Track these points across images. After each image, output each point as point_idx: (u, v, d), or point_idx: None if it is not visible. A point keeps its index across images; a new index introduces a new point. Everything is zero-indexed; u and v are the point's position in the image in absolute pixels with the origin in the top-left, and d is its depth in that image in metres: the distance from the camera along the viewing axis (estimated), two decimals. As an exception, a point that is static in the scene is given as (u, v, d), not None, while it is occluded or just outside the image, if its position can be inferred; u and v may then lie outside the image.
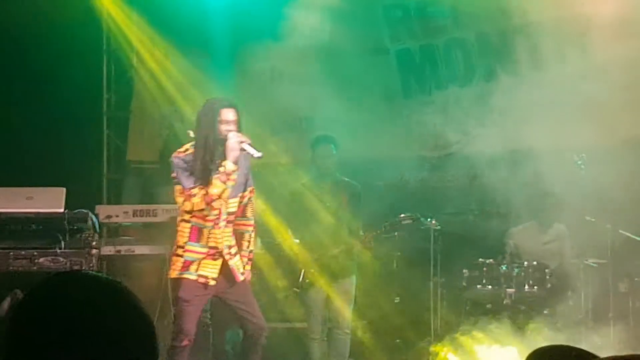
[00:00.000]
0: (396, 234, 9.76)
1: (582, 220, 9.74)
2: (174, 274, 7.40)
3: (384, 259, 10.03)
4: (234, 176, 7.19)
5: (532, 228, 10.26)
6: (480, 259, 9.72)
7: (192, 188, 7.17)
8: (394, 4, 11.51)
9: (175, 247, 7.44)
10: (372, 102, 11.26)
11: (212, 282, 7.31)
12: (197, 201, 7.15)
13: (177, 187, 7.34)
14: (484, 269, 9.69)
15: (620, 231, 9.69)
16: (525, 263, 9.63)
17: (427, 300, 9.84)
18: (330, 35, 11.14)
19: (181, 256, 7.32)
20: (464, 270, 9.81)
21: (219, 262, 7.32)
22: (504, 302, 9.48)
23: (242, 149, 7.16)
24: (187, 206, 7.21)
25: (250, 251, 7.65)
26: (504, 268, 9.64)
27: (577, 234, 9.81)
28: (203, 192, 7.16)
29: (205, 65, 10.90)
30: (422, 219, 9.65)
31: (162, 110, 11.40)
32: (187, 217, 7.32)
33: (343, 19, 11.11)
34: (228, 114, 7.18)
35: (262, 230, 9.05)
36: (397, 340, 10.17)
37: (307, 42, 10.97)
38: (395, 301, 10.18)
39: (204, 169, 7.17)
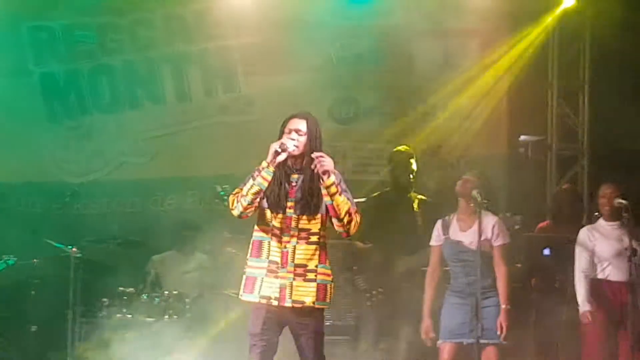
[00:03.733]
0: (35, 260, 9.88)
1: (222, 250, 10.12)
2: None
3: (21, 285, 10.15)
4: (265, 174, 6.68)
5: (173, 257, 10.60)
6: (121, 288, 9.91)
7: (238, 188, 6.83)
8: (39, 25, 11.55)
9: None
10: (15, 125, 11.21)
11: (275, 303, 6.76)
12: (231, 199, 6.75)
13: None
14: (124, 297, 9.88)
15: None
16: (166, 292, 9.92)
17: (65, 330, 9.90)
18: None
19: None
20: (104, 299, 9.96)
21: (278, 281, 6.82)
22: (143, 332, 9.63)
23: (276, 150, 6.66)
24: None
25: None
26: (144, 297, 9.89)
27: (217, 264, 10.15)
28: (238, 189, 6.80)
29: None
30: (61, 246, 9.83)
31: None
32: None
33: (-15, 38, 11.07)
34: (293, 124, 6.83)
35: None
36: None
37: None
38: (32, 330, 10.19)
39: None
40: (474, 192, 8.24)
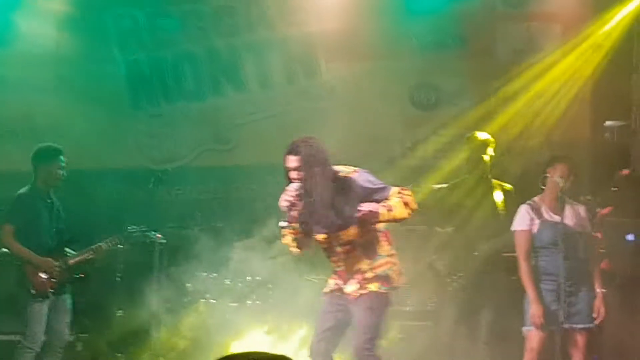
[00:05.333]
0: (120, 246, 9.96)
1: None
2: None
3: (106, 271, 10.28)
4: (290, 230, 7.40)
5: (256, 243, 10.71)
6: (204, 273, 10.07)
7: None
8: (124, 13, 11.71)
9: None
10: (100, 113, 11.40)
11: None
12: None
13: None
14: (208, 283, 10.04)
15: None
16: (249, 278, 10.05)
17: (150, 314, 10.15)
18: (57, 43, 11.30)
19: None
20: (188, 284, 10.14)
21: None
22: (226, 317, 9.82)
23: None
24: None
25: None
26: (227, 282, 10.02)
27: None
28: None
29: None
30: (147, 232, 10.01)
31: None
32: None
33: (71, 26, 11.31)
34: (288, 162, 7.32)
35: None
36: (118, 354, 10.38)
37: (32, 49, 11.15)
38: (118, 314, 10.41)
39: None
40: (557, 178, 8.28)
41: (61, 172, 9.41)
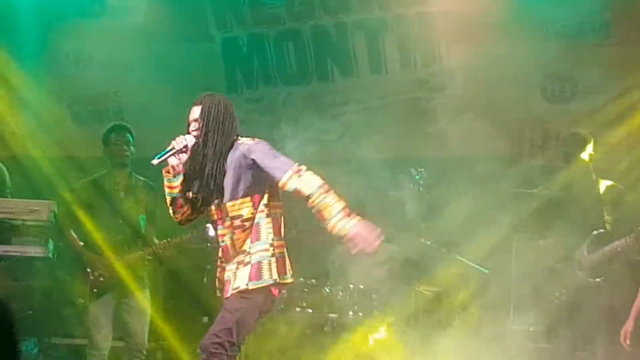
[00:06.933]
0: (208, 245, 9.65)
1: (417, 241, 9.96)
2: None
3: (191, 272, 10.22)
4: (168, 183, 7.09)
5: (360, 247, 10.34)
6: (301, 279, 9.72)
7: None
8: (222, -16, 11.70)
9: None
10: (191, 94, 11.03)
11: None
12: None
13: None
14: (305, 290, 9.78)
15: (458, 257, 9.94)
16: (351, 286, 9.69)
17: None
18: (146, 16, 11.35)
19: None
20: (283, 291, 9.57)
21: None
22: (324, 329, 9.58)
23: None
24: None
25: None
26: (326, 290, 9.73)
27: (409, 255, 9.93)
28: None
29: (7, 43, 10.99)
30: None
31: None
32: None
33: (162, -2, 11.38)
34: (191, 113, 7.16)
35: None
36: (202, 363, 10.05)
37: (119, 23, 11.18)
38: (204, 321, 9.96)
39: None
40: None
41: (126, 151, 9.26)
